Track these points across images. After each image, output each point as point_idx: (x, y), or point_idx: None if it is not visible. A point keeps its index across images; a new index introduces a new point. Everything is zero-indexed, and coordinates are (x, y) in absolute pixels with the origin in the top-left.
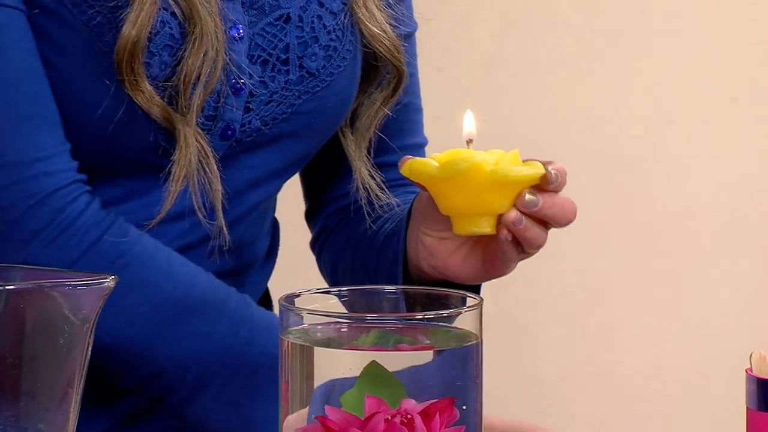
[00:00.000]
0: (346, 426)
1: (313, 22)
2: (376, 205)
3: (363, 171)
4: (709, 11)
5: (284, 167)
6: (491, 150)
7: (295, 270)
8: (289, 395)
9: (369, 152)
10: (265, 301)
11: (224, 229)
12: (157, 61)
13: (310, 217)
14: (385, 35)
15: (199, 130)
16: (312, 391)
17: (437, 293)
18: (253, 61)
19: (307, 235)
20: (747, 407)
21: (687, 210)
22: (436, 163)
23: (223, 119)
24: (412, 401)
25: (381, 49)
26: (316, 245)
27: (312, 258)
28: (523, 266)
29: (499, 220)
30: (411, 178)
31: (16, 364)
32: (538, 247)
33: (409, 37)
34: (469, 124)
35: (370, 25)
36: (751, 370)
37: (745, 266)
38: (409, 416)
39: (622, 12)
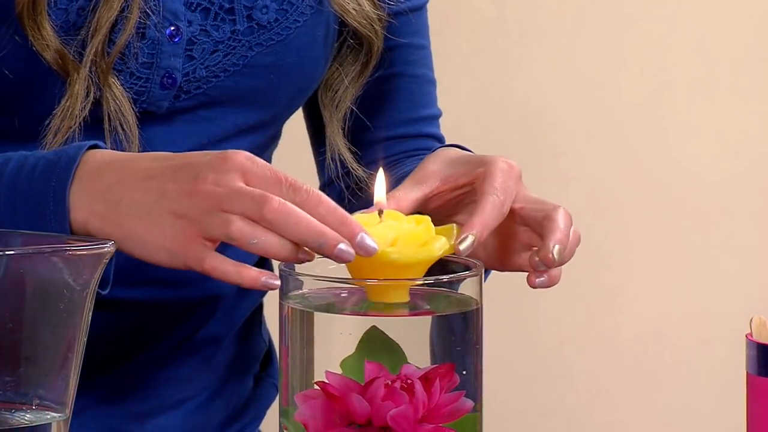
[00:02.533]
0: (346, 391)
1: None
2: (353, 178)
3: (338, 142)
4: None
5: (255, 124)
6: (415, 216)
7: None
8: (289, 360)
9: (345, 125)
10: (263, 265)
11: None
12: (74, 7)
13: (324, 191)
14: (353, 5)
15: (117, 83)
16: (312, 356)
17: (438, 259)
18: (192, 8)
19: None
20: (747, 372)
21: (687, 175)
22: None
23: (161, 67)
24: (412, 366)
25: (348, 18)
26: None
27: None
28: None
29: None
30: None
31: (16, 330)
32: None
33: (417, 11)
34: (380, 191)
35: None
36: (751, 335)
37: (746, 232)
38: (409, 381)
39: None
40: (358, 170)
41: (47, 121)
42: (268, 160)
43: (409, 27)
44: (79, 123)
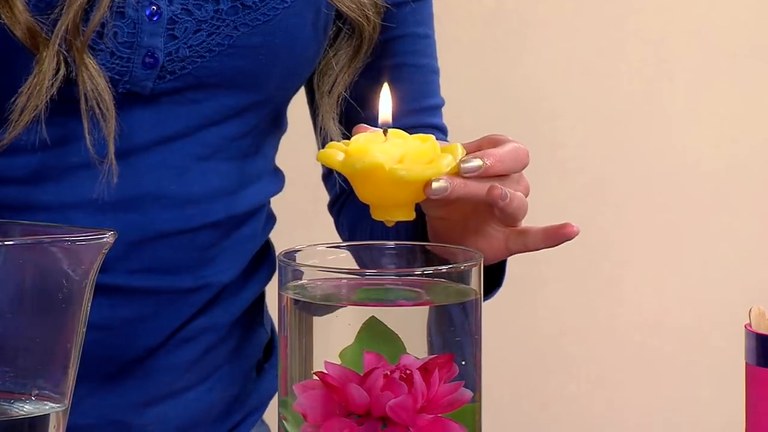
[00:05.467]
0: (345, 381)
1: None
2: None
3: (331, 128)
4: None
5: (246, 106)
6: (420, 135)
7: (296, 225)
8: (288, 350)
9: (340, 113)
10: (266, 254)
11: (113, 166)
12: None
13: (327, 179)
14: None
15: (93, 62)
16: (311, 346)
17: (437, 249)
18: None
19: (308, 190)
20: (746, 363)
21: (686, 166)
22: (341, 156)
23: (142, 46)
24: (411, 357)
25: (338, 4)
26: (334, 208)
27: (313, 213)
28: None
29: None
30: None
31: (15, 320)
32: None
33: (420, 0)
34: (384, 109)
35: None
36: (750, 326)
37: (744, 221)
38: (408, 372)
39: None
40: None
41: (13, 99)
42: (275, 147)
43: (414, 16)
44: (47, 102)
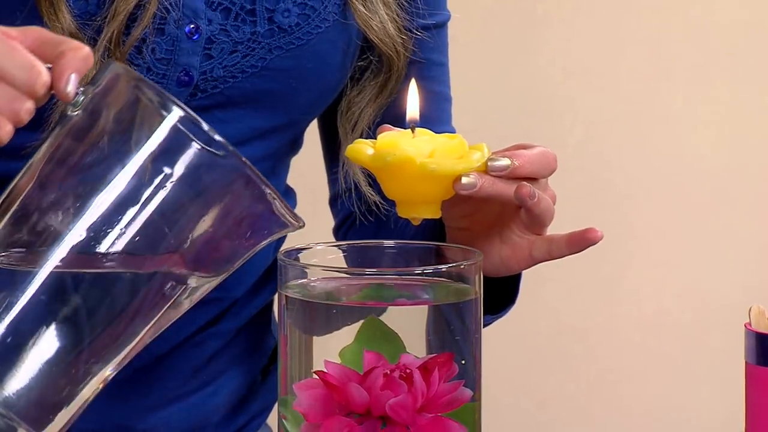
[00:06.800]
0: (345, 380)
1: None
2: (363, 198)
3: (353, 164)
4: None
5: (271, 128)
6: (448, 134)
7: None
8: (287, 349)
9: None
10: (275, 267)
11: None
12: None
13: (334, 204)
14: (376, 21)
15: (132, 70)
16: (311, 345)
17: (437, 248)
18: (213, 7)
19: (306, 191)
20: (746, 362)
21: (686, 165)
22: (370, 150)
23: (178, 64)
24: (411, 356)
25: (369, 34)
26: (340, 232)
27: (312, 214)
28: None
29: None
30: (352, 161)
31: (200, 231)
32: (525, 196)
33: (438, 27)
34: (412, 106)
35: (356, 3)
36: (750, 325)
37: (744, 221)
38: (408, 371)
39: None
40: (372, 195)
41: (54, 101)
42: (287, 167)
43: (428, 43)
44: None
